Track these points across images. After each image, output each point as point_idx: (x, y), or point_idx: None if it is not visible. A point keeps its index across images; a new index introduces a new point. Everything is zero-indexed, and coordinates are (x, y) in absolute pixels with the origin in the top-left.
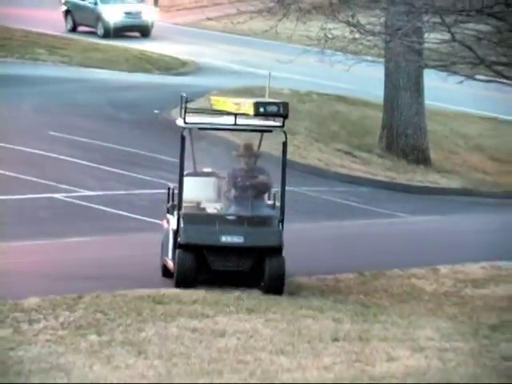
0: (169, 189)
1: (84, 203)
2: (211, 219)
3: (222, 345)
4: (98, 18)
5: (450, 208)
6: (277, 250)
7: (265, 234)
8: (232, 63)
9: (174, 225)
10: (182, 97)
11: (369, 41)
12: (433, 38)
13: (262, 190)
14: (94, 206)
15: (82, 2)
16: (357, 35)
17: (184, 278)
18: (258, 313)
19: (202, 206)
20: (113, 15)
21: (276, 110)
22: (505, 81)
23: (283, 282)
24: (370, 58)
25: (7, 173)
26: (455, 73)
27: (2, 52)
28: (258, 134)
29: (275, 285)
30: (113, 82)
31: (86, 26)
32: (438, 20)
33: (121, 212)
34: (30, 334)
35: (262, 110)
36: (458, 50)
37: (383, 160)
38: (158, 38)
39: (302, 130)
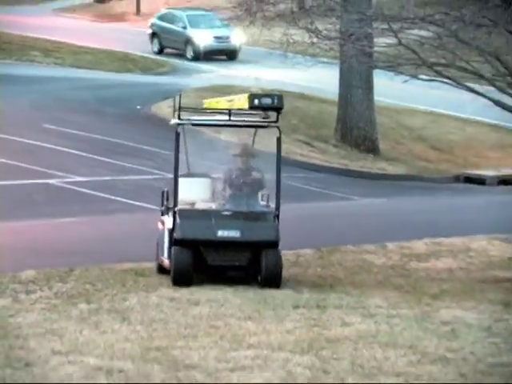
0: (163, 192)
1: (75, 188)
2: (207, 215)
3: (196, 312)
4: (188, 41)
5: (396, 191)
6: (273, 245)
7: (261, 228)
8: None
9: (169, 224)
10: (176, 96)
11: (325, 45)
12: (382, 42)
13: (256, 187)
14: (84, 190)
15: (170, 26)
16: (315, 40)
17: (181, 276)
18: (228, 284)
19: (197, 206)
20: (203, 39)
21: (270, 102)
22: (444, 80)
23: (280, 276)
24: (326, 60)
25: (6, 161)
26: (401, 73)
27: (1, 55)
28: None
29: (272, 279)
30: (100, 80)
31: (174, 48)
32: (386, 26)
33: (108, 195)
34: (27, 303)
35: (256, 102)
36: (404, 53)
37: (338, 149)
38: None
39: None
